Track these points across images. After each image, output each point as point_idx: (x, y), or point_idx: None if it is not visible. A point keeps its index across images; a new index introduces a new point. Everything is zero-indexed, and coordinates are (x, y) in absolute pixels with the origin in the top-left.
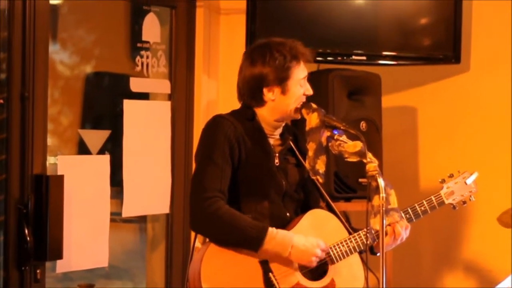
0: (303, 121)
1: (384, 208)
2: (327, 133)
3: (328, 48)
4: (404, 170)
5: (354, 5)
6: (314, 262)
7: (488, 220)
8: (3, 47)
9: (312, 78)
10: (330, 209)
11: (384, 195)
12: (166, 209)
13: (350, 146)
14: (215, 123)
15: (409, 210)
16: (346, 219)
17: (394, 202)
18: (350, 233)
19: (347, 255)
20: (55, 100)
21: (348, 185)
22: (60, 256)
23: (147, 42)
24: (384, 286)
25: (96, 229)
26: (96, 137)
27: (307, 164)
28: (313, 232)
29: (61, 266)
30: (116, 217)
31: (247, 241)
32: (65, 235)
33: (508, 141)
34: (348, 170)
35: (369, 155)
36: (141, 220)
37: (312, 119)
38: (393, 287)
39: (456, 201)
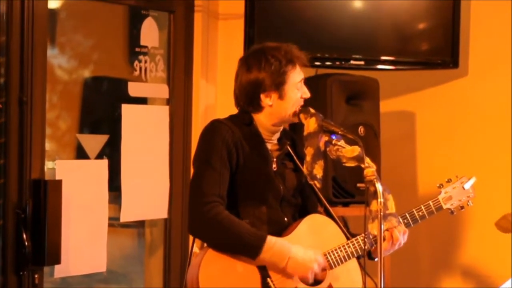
0: (301, 126)
1: (382, 213)
2: (325, 138)
3: (326, 52)
4: (402, 175)
5: (353, 10)
6: (310, 276)
7: (486, 225)
8: (1, 51)
9: (310, 82)
10: (328, 214)
11: (382, 200)
12: (164, 214)
13: (348, 151)
14: (213, 128)
15: (407, 215)
16: (344, 224)
17: (392, 207)
18: (348, 238)
19: (345, 260)
20: (53, 105)
21: (346, 190)
22: (58, 261)
23: (145, 46)
24: None
25: (94, 234)
26: (94, 142)
27: (305, 169)
28: (311, 237)
29: (59, 271)
30: (114, 222)
31: (245, 248)
32: (63, 240)
33: (507, 145)
34: (346, 175)
35: (367, 160)
36: (139, 225)
37: (310, 124)
38: None
39: (454, 206)
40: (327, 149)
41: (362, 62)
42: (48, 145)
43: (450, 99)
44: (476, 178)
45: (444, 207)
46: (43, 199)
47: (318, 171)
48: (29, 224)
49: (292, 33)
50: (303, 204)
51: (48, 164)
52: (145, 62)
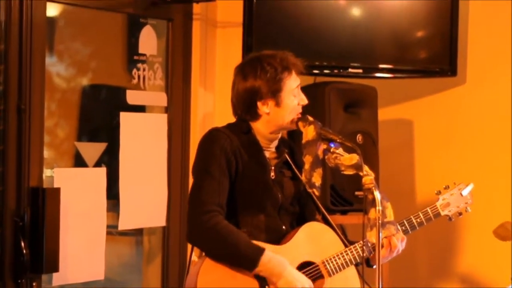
0: (299, 134)
1: (380, 221)
2: (323, 146)
3: (324, 61)
4: (400, 183)
5: (351, 19)
6: None
7: (484, 231)
8: (0, 59)
9: (309, 91)
10: (326, 222)
11: (380, 208)
12: (162, 222)
13: (346, 159)
14: (211, 136)
15: (405, 222)
16: (342, 231)
17: (390, 215)
18: (346, 246)
19: (343, 267)
20: (52, 113)
21: (344, 198)
22: (56, 269)
23: (144, 54)
24: None
25: (92, 242)
26: (92, 150)
27: (303, 177)
28: (309, 245)
29: (57, 279)
30: (112, 230)
31: (242, 259)
32: (62, 248)
33: (505, 153)
34: (345, 183)
35: (366, 168)
36: (138, 233)
37: (309, 132)
38: None
39: (452, 213)
40: (326, 157)
41: (360, 70)
42: (46, 153)
43: (448, 107)
44: (474, 185)
45: (442, 213)
46: (41, 207)
47: (317, 179)
48: (27, 232)
49: (290, 41)
50: (301, 212)
51: (47, 172)
52: (144, 70)
